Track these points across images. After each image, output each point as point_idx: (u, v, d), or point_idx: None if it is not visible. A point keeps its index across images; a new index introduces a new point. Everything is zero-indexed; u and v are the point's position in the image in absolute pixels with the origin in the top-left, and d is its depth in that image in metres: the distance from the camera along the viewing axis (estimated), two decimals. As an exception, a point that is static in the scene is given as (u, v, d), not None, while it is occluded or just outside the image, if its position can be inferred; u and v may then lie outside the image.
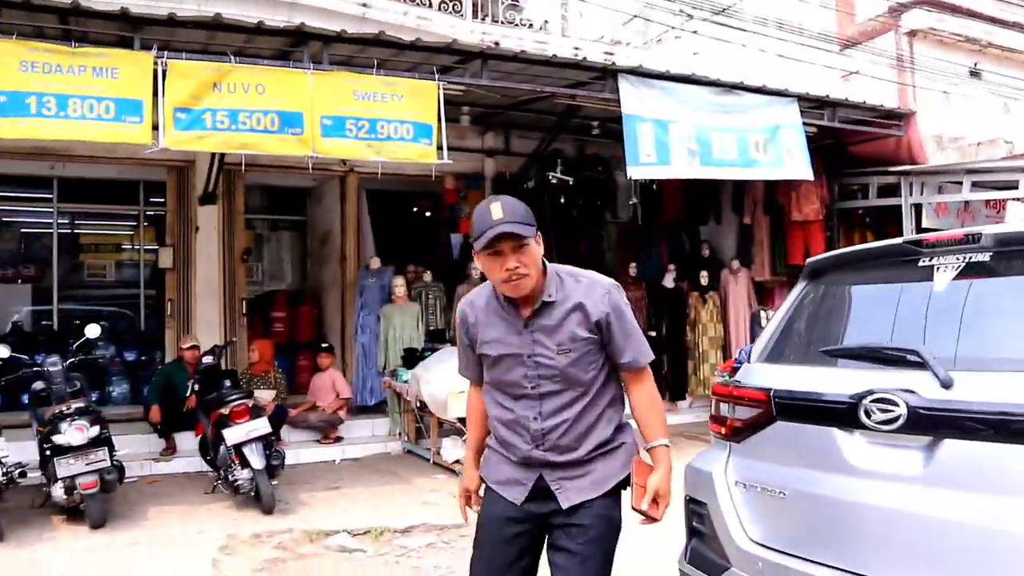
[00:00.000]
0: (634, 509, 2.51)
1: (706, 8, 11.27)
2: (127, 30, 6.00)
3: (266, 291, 10.83)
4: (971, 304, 2.61)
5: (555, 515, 2.56)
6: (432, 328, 9.27)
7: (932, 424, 2.39)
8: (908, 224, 9.01)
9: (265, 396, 8.15)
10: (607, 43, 10.64)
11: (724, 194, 10.84)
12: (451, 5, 9.75)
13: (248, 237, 10.84)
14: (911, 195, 9.07)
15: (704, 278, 10.49)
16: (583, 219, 10.32)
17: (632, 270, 10.64)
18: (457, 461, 7.31)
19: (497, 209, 2.42)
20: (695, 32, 11.65)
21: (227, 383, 6.95)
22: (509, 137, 10.50)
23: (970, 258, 2.63)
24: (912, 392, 2.45)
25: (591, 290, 2.55)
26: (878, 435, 2.52)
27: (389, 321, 8.89)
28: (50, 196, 9.36)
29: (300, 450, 8.25)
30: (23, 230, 9.99)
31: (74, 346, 6.65)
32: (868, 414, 2.52)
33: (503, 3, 10.12)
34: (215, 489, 6.72)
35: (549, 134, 9.42)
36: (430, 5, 9.53)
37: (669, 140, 7.58)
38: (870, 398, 2.52)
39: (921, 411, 2.40)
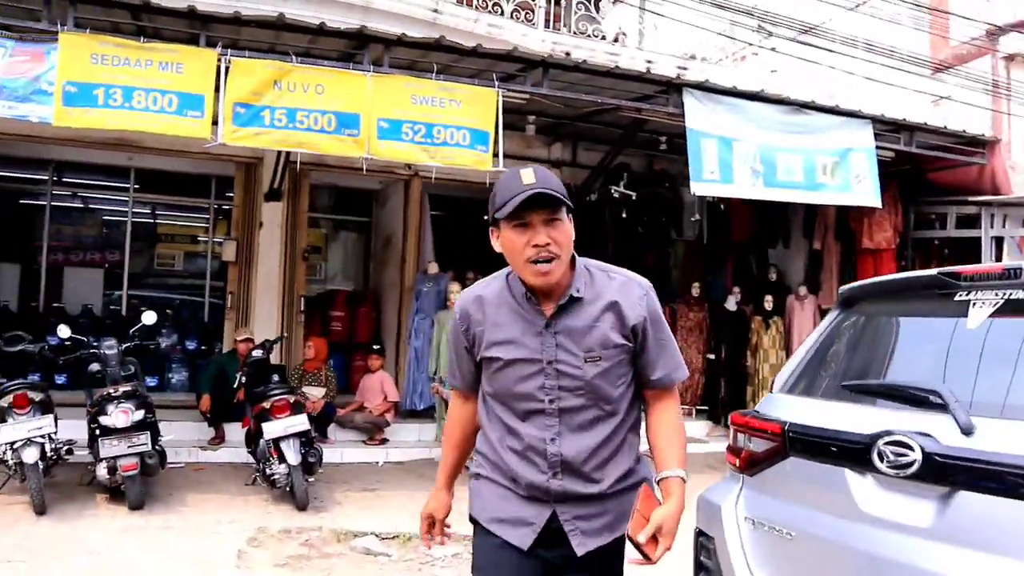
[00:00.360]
0: (628, 537, 2.11)
1: (794, 27, 10.99)
2: (196, 27, 6.18)
3: (328, 290, 10.99)
4: (1007, 345, 2.39)
5: (563, 566, 2.19)
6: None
7: (948, 473, 2.19)
8: (987, 258, 8.53)
9: (315, 393, 8.27)
10: (682, 58, 10.45)
11: (795, 217, 10.50)
12: (524, 14, 9.75)
13: (315, 236, 11.06)
14: (992, 227, 8.60)
15: (769, 303, 10.15)
16: (648, 235, 10.17)
17: (695, 290, 10.41)
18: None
19: (528, 174, 2.07)
20: (773, 49, 11.36)
21: (275, 378, 7.03)
22: (576, 149, 10.41)
23: (1009, 295, 2.43)
24: (930, 436, 2.25)
25: (627, 289, 2.18)
26: (891, 480, 2.33)
27: (443, 327, 8.85)
28: (127, 186, 9.72)
29: (345, 450, 8.31)
30: (103, 218, 10.39)
31: (132, 331, 6.84)
32: (882, 457, 2.33)
33: (576, 13, 10.06)
34: (255, 481, 6.81)
35: (615, 147, 9.28)
36: (502, 13, 9.54)
37: (732, 158, 7.37)
38: (885, 440, 2.34)
39: (937, 458, 2.21)
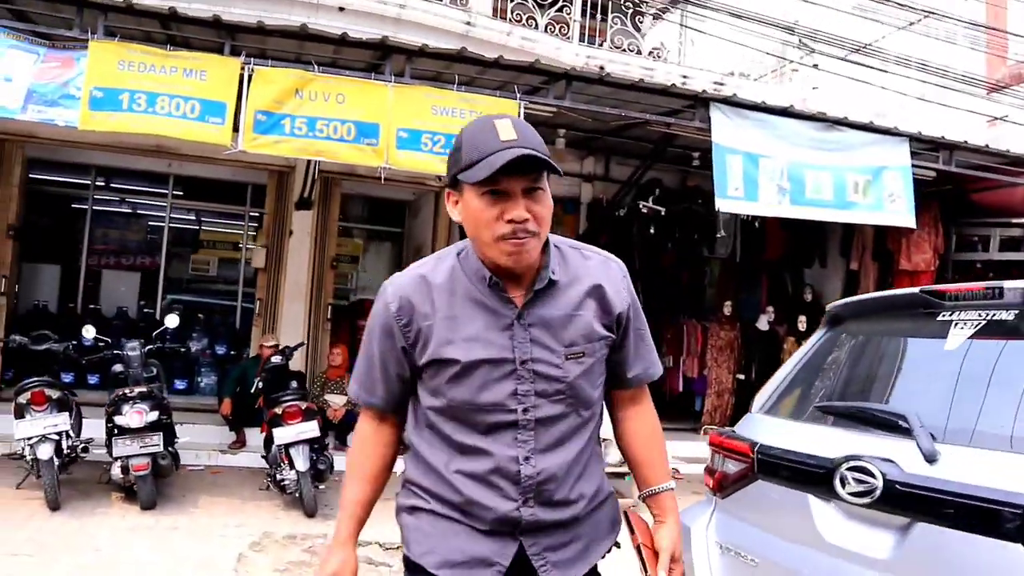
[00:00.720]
0: None
1: (845, 46, 10.80)
2: (223, 37, 6.29)
3: (359, 299, 11.07)
4: (984, 368, 2.26)
5: None
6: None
7: (908, 503, 2.07)
8: (1032, 283, 8.16)
9: (337, 401, 8.30)
10: (720, 73, 10.33)
11: (832, 236, 10.25)
12: (558, 28, 9.74)
13: (351, 246, 11.18)
14: (1037, 251, 8.26)
15: (802, 323, 9.89)
16: (681, 252, 10.06)
17: (727, 308, 10.22)
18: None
19: (506, 127, 1.65)
20: (815, 66, 11.15)
21: (293, 384, 7.10)
22: (609, 163, 10.35)
23: (992, 315, 2.30)
24: (893, 463, 2.14)
25: (607, 269, 1.84)
26: (853, 508, 2.21)
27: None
28: (165, 191, 9.95)
29: (363, 458, 8.30)
30: (142, 223, 10.64)
31: (155, 334, 6.95)
32: (844, 483, 2.22)
33: (612, 27, 10.02)
34: (269, 487, 6.85)
35: (645, 162, 9.18)
36: (536, 27, 9.55)
37: (758, 175, 7.21)
38: (847, 465, 2.23)
39: (898, 486, 2.09)
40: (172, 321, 7.00)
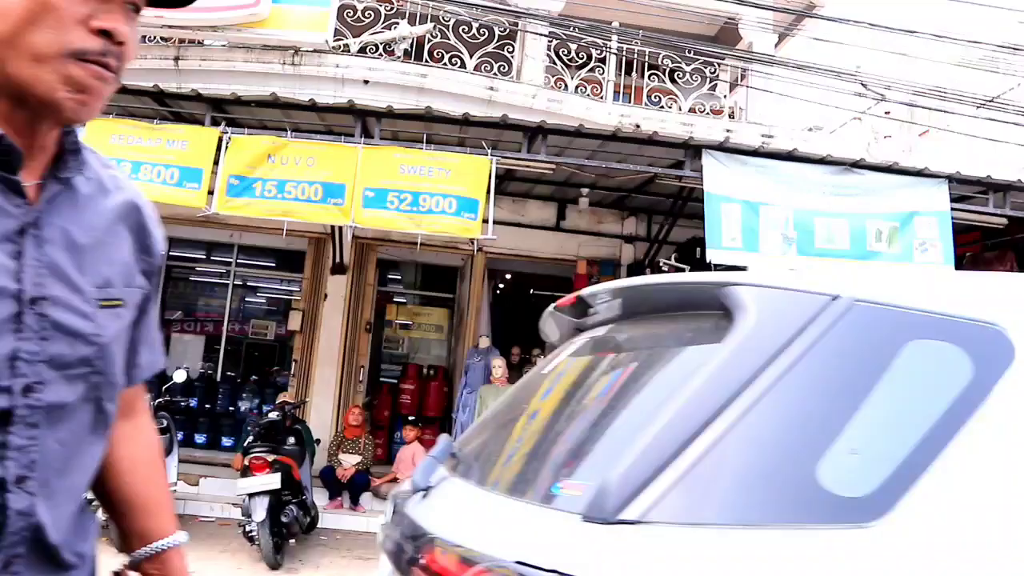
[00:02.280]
0: None
1: (974, 101, 10.04)
2: (210, 109, 6.76)
3: (405, 363, 11.22)
4: (566, 399, 1.96)
5: None
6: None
7: (386, 543, 1.80)
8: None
9: (349, 460, 8.39)
10: (769, 126, 9.83)
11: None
12: (589, 88, 9.69)
13: (405, 312, 11.44)
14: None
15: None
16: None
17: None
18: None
19: None
20: (887, 113, 10.38)
21: (291, 439, 7.26)
22: (651, 223, 10.01)
23: (593, 333, 2.02)
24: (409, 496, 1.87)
25: (138, 191, 1.21)
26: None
27: (483, 402, 8.69)
28: (229, 259, 10.64)
29: (372, 519, 8.28)
30: (206, 289, 11.35)
31: (164, 388, 7.37)
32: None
33: (648, 85, 9.83)
34: (252, 539, 6.96)
35: (666, 219, 8.82)
36: (565, 88, 9.55)
37: (758, 224, 6.71)
38: (399, 498, 1.97)
39: (388, 527, 1.83)
40: (179, 376, 7.43)
